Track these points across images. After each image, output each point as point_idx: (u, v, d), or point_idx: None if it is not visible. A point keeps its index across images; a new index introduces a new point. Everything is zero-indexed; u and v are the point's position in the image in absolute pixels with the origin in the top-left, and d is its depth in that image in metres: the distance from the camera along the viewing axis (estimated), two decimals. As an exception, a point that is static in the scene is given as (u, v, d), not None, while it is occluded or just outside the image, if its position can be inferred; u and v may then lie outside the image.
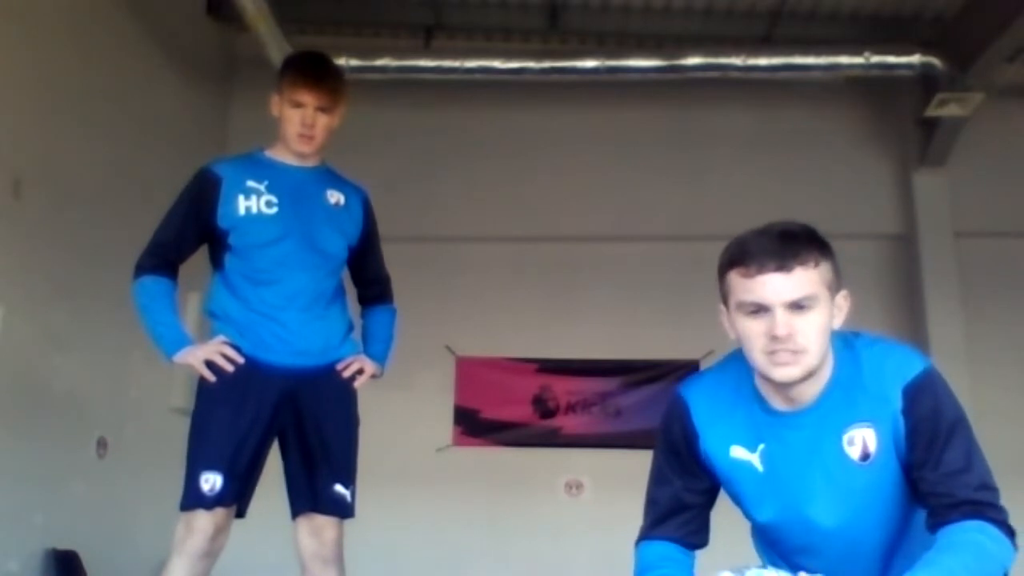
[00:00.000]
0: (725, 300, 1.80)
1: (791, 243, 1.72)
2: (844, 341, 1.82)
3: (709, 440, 1.87)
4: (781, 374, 1.73)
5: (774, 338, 1.70)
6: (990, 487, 1.72)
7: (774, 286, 1.70)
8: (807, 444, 1.80)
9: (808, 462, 1.80)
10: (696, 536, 1.93)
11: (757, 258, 1.71)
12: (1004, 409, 6.20)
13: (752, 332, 1.73)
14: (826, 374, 1.79)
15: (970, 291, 6.78)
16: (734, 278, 1.75)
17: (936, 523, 1.72)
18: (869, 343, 1.83)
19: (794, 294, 1.70)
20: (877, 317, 6.49)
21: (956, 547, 1.65)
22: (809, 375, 1.74)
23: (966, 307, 6.72)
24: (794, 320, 1.70)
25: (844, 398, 1.78)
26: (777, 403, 1.82)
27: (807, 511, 1.82)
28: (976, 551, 1.64)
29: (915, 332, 6.60)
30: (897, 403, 1.74)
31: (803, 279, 1.70)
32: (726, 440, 1.86)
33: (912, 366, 1.76)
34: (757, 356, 1.74)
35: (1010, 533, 1.70)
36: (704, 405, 1.89)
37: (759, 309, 1.72)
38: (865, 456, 1.77)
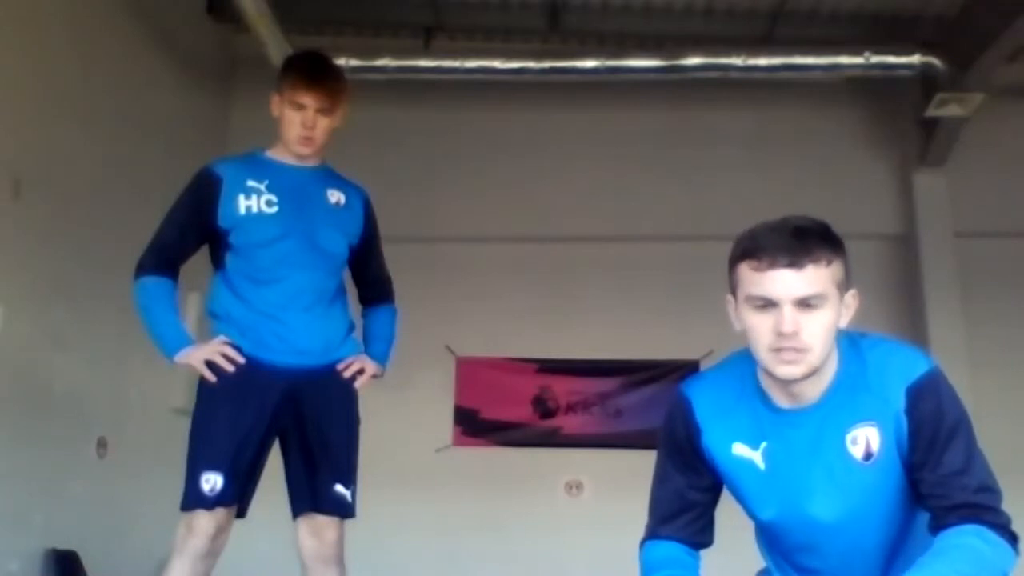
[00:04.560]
0: (734, 291, 1.79)
1: (804, 239, 1.71)
2: (850, 340, 1.82)
3: (711, 437, 1.87)
4: (784, 371, 1.72)
5: (780, 335, 1.69)
6: (991, 490, 1.71)
7: (784, 282, 1.69)
8: (810, 442, 1.80)
9: (810, 460, 1.80)
10: (701, 535, 1.93)
11: (769, 252, 1.70)
12: (1004, 409, 6.20)
13: (759, 327, 1.73)
14: (830, 373, 1.79)
15: (970, 291, 6.77)
16: (744, 270, 1.74)
17: (935, 526, 1.72)
18: (874, 343, 1.83)
19: (804, 291, 1.69)
20: (877, 317, 6.48)
21: (950, 551, 1.64)
22: (812, 373, 1.74)
23: (966, 307, 6.72)
24: (801, 318, 1.69)
25: (848, 397, 1.78)
26: (780, 400, 1.82)
27: (808, 509, 1.82)
28: (971, 556, 1.63)
29: (915, 332, 6.60)
30: (900, 403, 1.74)
31: (814, 277, 1.69)
32: (728, 437, 1.86)
33: (917, 366, 1.76)
34: (762, 352, 1.74)
35: (1011, 538, 1.69)
36: (707, 402, 1.89)
37: (767, 304, 1.71)
38: (868, 455, 1.77)
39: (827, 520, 1.81)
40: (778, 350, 1.71)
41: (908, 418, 1.73)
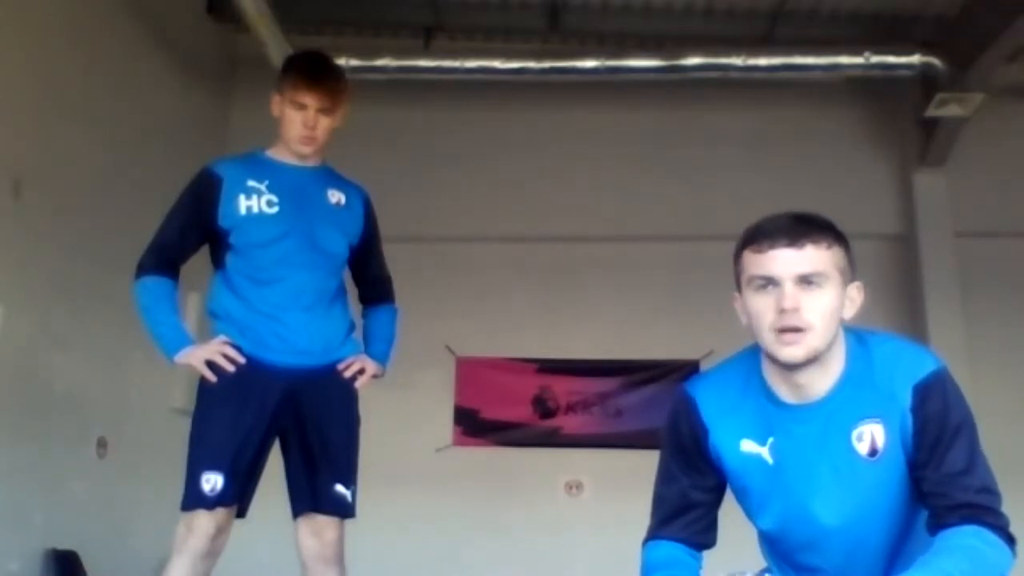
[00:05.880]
0: (739, 284, 1.82)
1: (804, 223, 1.76)
2: (857, 337, 1.83)
3: (719, 435, 1.87)
4: (786, 353, 1.73)
5: (782, 311, 1.71)
6: (991, 491, 1.72)
7: (784, 260, 1.72)
8: (816, 438, 1.80)
9: (817, 456, 1.80)
10: (703, 536, 1.93)
11: (770, 235, 1.75)
12: (1004, 409, 6.20)
13: (761, 307, 1.75)
14: (837, 368, 1.80)
15: (970, 291, 6.78)
16: (747, 256, 1.78)
17: (935, 525, 1.72)
18: (882, 340, 1.84)
19: (804, 268, 1.72)
20: (877, 317, 6.43)
21: (952, 551, 1.65)
22: (813, 357, 1.74)
23: (966, 307, 6.72)
24: (803, 296, 1.72)
25: (855, 393, 1.79)
26: (786, 396, 1.82)
27: (813, 506, 1.82)
28: (972, 556, 1.64)
29: (915, 332, 6.59)
30: (907, 400, 1.74)
31: (813, 256, 1.73)
32: (736, 434, 1.86)
33: (924, 365, 1.77)
34: (764, 333, 1.75)
35: (1009, 540, 1.69)
36: (712, 401, 1.89)
37: (769, 283, 1.74)
38: (873, 452, 1.77)
39: (830, 518, 1.81)
40: (780, 330, 1.72)
41: (914, 416, 1.74)
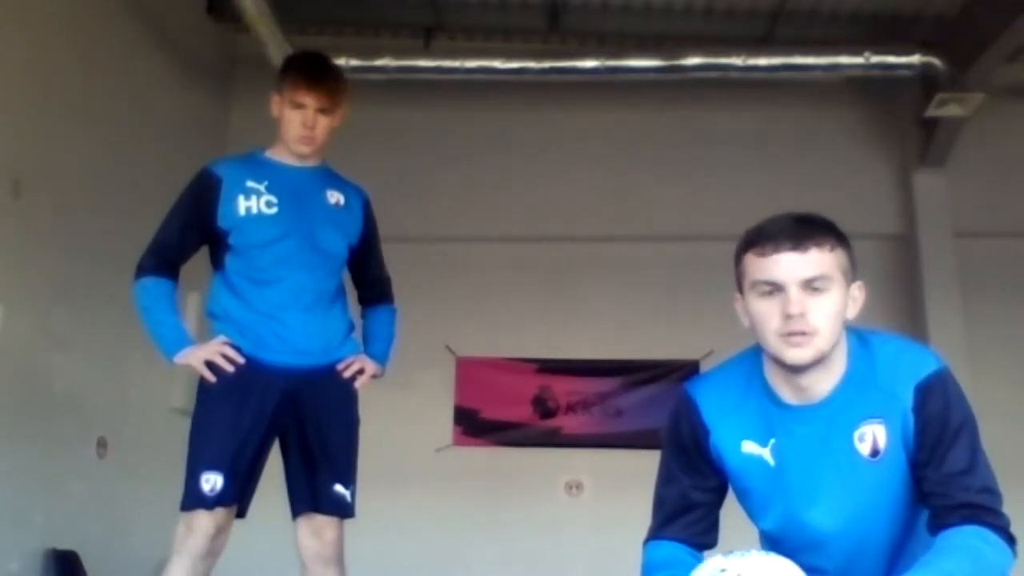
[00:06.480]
0: (740, 285, 1.80)
1: (806, 225, 1.75)
2: (859, 337, 1.83)
3: (721, 436, 1.87)
4: (792, 355, 1.72)
5: (788, 317, 1.70)
6: (992, 491, 1.72)
7: (789, 264, 1.71)
8: (818, 439, 1.80)
9: (819, 457, 1.80)
10: (704, 536, 1.93)
11: (773, 238, 1.73)
12: (1004, 409, 6.19)
13: (766, 313, 1.74)
14: (839, 369, 1.79)
15: (970, 291, 6.77)
16: (750, 259, 1.76)
17: (936, 525, 1.72)
18: (884, 340, 1.84)
19: (809, 272, 1.71)
20: (877, 317, 6.43)
21: (953, 551, 1.65)
22: (819, 359, 1.74)
23: (966, 307, 6.72)
24: (808, 301, 1.71)
25: (857, 394, 1.78)
26: (788, 397, 1.82)
27: (814, 507, 1.82)
28: (973, 556, 1.64)
29: (915, 332, 6.59)
30: (908, 400, 1.74)
31: (818, 259, 1.72)
32: (738, 435, 1.85)
33: (926, 365, 1.77)
34: (770, 338, 1.74)
35: (1010, 540, 1.69)
36: (713, 401, 1.89)
37: (773, 288, 1.72)
38: (875, 452, 1.77)
39: (832, 519, 1.81)
40: (786, 334, 1.71)
41: (915, 416, 1.74)
